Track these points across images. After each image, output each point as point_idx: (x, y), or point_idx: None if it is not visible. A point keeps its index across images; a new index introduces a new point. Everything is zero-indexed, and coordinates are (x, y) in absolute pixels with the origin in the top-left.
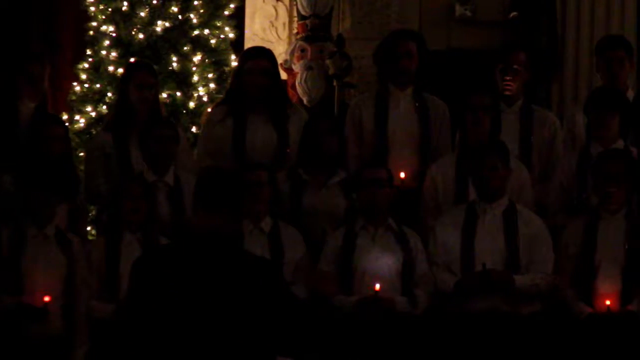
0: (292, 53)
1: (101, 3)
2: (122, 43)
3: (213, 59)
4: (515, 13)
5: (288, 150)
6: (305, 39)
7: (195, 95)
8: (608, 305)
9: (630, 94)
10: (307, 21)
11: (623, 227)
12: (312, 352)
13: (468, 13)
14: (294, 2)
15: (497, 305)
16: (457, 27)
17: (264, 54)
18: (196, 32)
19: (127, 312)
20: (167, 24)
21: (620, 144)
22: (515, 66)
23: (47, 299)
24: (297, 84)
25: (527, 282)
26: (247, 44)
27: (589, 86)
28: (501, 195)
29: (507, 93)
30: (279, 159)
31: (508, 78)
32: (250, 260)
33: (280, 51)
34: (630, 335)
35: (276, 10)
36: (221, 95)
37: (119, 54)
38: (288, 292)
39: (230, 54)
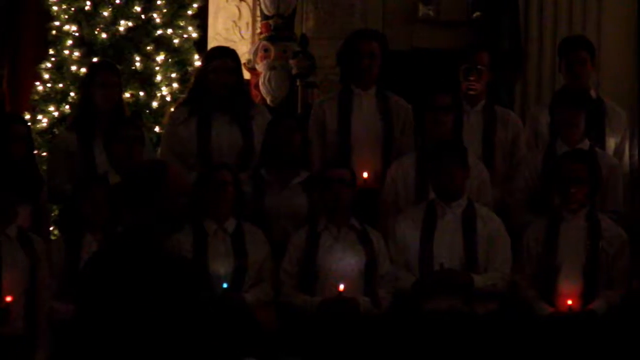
0: (255, 53)
1: (64, 2)
2: (84, 43)
3: (176, 59)
4: (478, 13)
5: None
6: (269, 38)
7: (159, 95)
8: (569, 305)
9: (593, 94)
10: (271, 21)
11: (584, 227)
12: (279, 354)
13: (431, 13)
14: (258, 2)
15: (455, 304)
16: (420, 27)
17: (228, 54)
18: (159, 32)
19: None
20: (130, 24)
21: (586, 144)
22: (478, 66)
23: (9, 299)
24: (260, 83)
25: (486, 282)
26: (211, 44)
27: (551, 86)
28: (460, 196)
29: (471, 93)
30: (245, 159)
31: (472, 78)
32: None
33: (244, 51)
34: (591, 335)
35: (239, 10)
36: (184, 95)
37: (81, 54)
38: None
39: (193, 54)
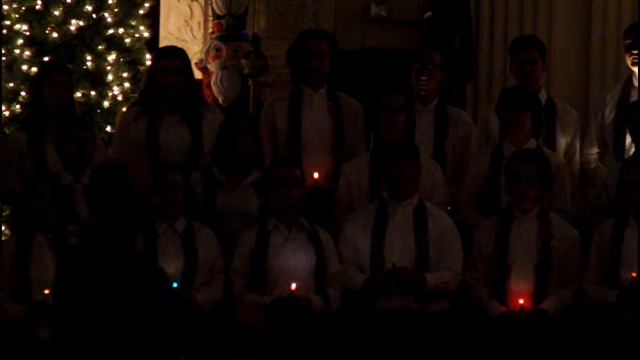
0: (207, 52)
1: (15, 1)
2: (36, 42)
3: (128, 58)
4: (429, 13)
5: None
6: (221, 38)
7: (110, 94)
8: (521, 304)
9: (543, 94)
10: (222, 20)
11: (535, 226)
12: (227, 353)
13: (383, 13)
14: (209, 2)
15: (407, 303)
16: (372, 26)
17: (176, 53)
18: (111, 31)
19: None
20: (81, 23)
21: (532, 143)
22: (429, 66)
23: None
24: (212, 83)
25: (438, 280)
26: (162, 43)
27: (503, 86)
28: (411, 195)
29: (422, 93)
30: (193, 159)
31: (423, 78)
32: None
33: (196, 50)
34: (542, 334)
35: (191, 9)
36: (136, 95)
37: (32, 53)
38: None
39: (145, 53)
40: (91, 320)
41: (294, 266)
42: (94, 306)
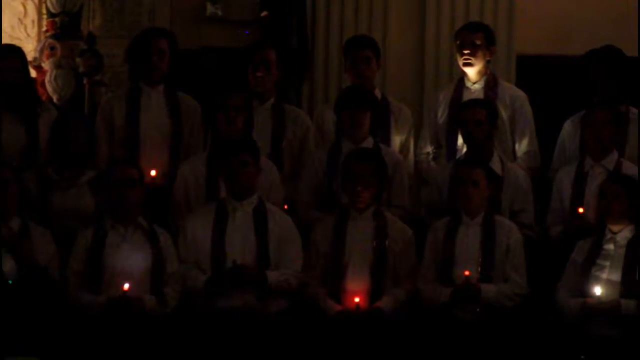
0: (41, 51)
1: None
2: None
3: None
4: (265, 13)
5: None
6: (55, 36)
7: None
8: (357, 303)
9: (378, 93)
10: (57, 19)
11: (371, 225)
12: (61, 354)
13: (219, 12)
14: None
15: (248, 302)
16: (208, 26)
17: (14, 52)
18: None
19: None
20: None
21: (369, 141)
22: (265, 64)
23: None
24: (46, 82)
25: (279, 278)
26: None
27: (338, 86)
28: (251, 193)
29: (259, 89)
30: (29, 158)
31: (259, 74)
32: None
33: (30, 49)
34: (378, 332)
35: (25, 7)
36: None
37: None
38: None
39: None
40: None
41: (130, 266)
42: None
